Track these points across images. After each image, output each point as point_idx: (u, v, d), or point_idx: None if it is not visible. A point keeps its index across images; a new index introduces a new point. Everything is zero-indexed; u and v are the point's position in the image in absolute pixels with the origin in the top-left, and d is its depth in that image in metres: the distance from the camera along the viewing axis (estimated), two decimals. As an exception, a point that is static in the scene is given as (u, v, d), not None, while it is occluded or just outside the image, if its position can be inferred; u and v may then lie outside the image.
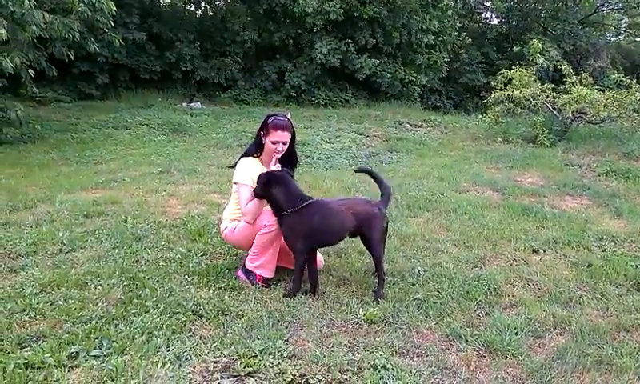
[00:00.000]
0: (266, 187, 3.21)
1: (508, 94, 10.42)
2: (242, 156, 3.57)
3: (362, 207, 3.40)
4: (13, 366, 2.32)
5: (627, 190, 6.45)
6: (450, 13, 17.32)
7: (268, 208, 3.35)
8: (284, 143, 3.47)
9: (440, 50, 16.30)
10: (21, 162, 7.30)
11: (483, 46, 18.55)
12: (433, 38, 15.64)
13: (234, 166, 3.56)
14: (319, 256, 3.49)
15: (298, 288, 3.27)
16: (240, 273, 3.47)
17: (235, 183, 3.48)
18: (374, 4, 14.23)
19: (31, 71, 8.43)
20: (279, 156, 3.47)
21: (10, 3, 7.11)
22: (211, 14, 16.60)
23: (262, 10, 14.99)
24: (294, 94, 14.80)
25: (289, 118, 3.52)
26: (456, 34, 17.50)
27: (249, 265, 3.41)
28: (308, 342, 2.70)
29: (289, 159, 3.58)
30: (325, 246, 3.58)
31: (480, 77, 17.36)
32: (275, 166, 3.41)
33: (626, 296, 3.40)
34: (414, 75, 15.40)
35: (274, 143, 3.43)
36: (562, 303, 3.28)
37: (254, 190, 3.30)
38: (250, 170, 3.44)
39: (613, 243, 4.43)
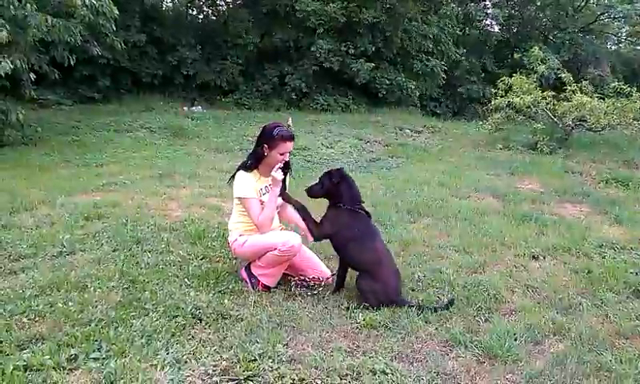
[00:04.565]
0: (336, 181, 3.35)
1: (508, 101, 10.43)
2: (240, 168, 3.48)
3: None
4: (12, 368, 2.32)
5: (627, 198, 6.44)
6: (449, 20, 17.34)
7: (281, 230, 3.45)
8: (289, 153, 3.49)
9: (438, 58, 16.34)
10: (22, 164, 7.31)
11: (483, 53, 18.55)
12: (432, 45, 15.67)
13: (233, 176, 3.49)
14: (326, 270, 3.49)
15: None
16: (243, 272, 3.47)
17: (239, 198, 3.42)
18: (374, 9, 14.28)
19: (32, 75, 8.45)
20: (282, 165, 3.43)
21: (11, 6, 7.13)
22: (213, 18, 16.67)
23: (265, 10, 15.02)
24: (294, 97, 14.83)
25: (290, 123, 3.54)
26: (455, 43, 17.52)
27: (254, 270, 3.40)
28: (307, 346, 2.70)
29: (284, 168, 3.50)
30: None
31: (480, 84, 17.36)
32: (278, 173, 3.35)
33: (625, 303, 3.40)
34: (413, 82, 15.43)
35: (282, 154, 3.40)
36: (562, 310, 3.28)
37: (314, 187, 3.44)
38: (250, 183, 3.40)
39: (612, 250, 4.43)
